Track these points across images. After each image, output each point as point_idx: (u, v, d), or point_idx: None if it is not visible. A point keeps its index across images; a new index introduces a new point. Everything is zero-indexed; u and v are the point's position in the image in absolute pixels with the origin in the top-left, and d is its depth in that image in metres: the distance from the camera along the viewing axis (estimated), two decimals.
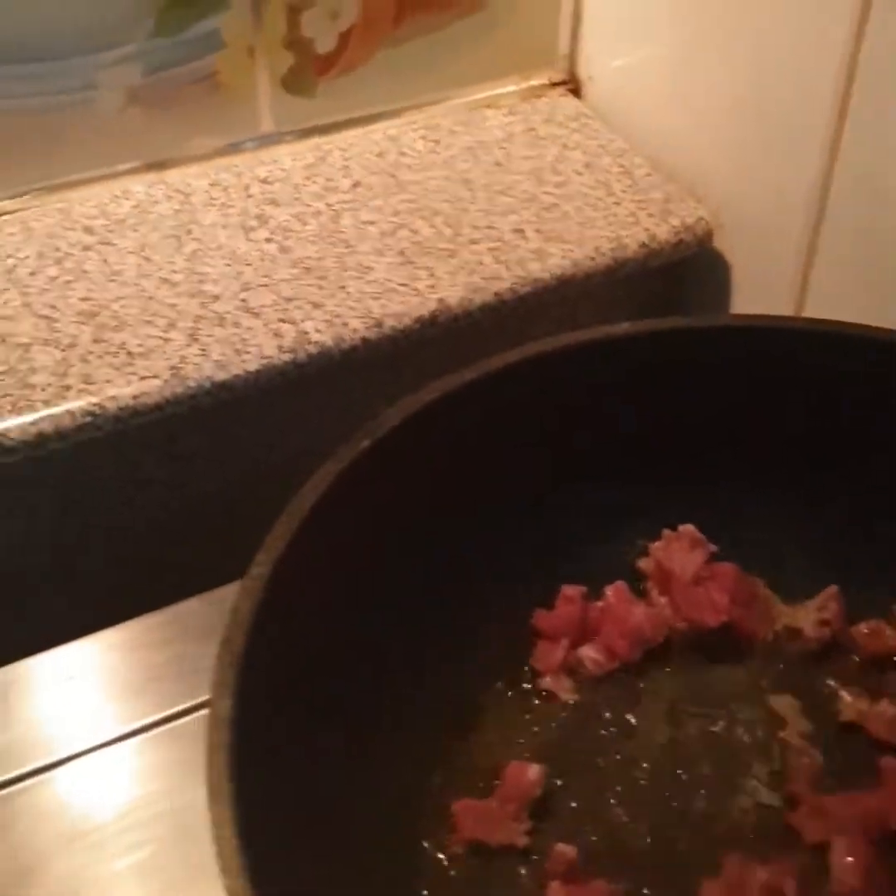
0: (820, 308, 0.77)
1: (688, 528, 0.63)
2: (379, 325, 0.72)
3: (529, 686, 0.59)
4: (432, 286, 0.75)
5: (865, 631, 0.60)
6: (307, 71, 0.82)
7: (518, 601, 0.61)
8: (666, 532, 0.63)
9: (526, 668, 0.60)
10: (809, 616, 0.60)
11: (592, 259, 0.78)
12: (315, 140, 0.86)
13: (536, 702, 0.59)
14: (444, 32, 0.87)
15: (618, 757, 0.57)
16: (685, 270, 0.86)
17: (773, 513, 0.63)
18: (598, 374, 0.62)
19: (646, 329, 0.62)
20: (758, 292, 0.82)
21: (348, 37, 0.82)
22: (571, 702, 0.58)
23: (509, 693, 0.59)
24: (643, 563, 0.64)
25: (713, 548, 0.63)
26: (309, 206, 0.81)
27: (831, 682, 0.59)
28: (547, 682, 0.59)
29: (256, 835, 0.40)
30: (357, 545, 0.55)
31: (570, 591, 0.61)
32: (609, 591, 0.62)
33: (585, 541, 0.63)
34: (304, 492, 0.52)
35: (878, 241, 0.71)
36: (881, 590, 0.61)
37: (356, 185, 0.83)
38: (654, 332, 0.62)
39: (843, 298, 0.75)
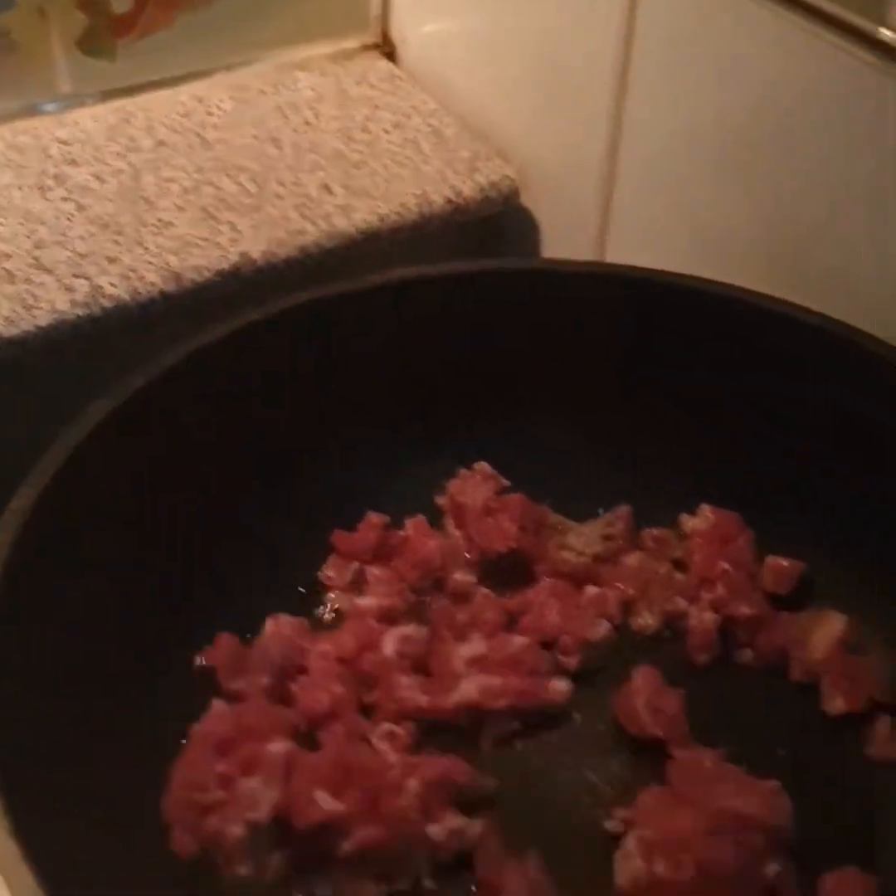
0: (619, 257, 0.79)
1: (481, 465, 0.65)
2: (177, 279, 0.72)
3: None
4: (235, 240, 0.75)
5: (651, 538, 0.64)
6: (104, 33, 0.81)
7: (321, 527, 0.63)
8: (461, 470, 0.65)
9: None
10: (596, 532, 0.63)
11: (399, 214, 0.79)
12: (118, 102, 0.85)
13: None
14: None
15: None
16: (496, 227, 0.87)
17: (563, 443, 0.65)
18: (392, 318, 0.63)
19: (423, 274, 0.63)
20: (563, 245, 0.84)
21: None
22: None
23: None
24: (440, 500, 0.65)
25: (505, 482, 0.64)
26: (109, 165, 0.80)
27: None
28: (331, 597, 0.61)
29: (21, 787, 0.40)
30: (133, 480, 0.55)
31: (375, 517, 0.63)
32: (409, 523, 0.64)
33: (392, 477, 0.65)
34: (72, 428, 0.52)
35: (664, 191, 0.73)
36: (667, 502, 0.64)
37: (160, 144, 0.83)
38: (433, 276, 0.63)
39: (639, 246, 0.77)
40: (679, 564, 0.62)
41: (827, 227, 0.62)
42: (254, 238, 0.75)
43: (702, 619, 0.59)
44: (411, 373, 0.64)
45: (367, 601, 0.59)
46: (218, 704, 0.52)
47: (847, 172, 0.60)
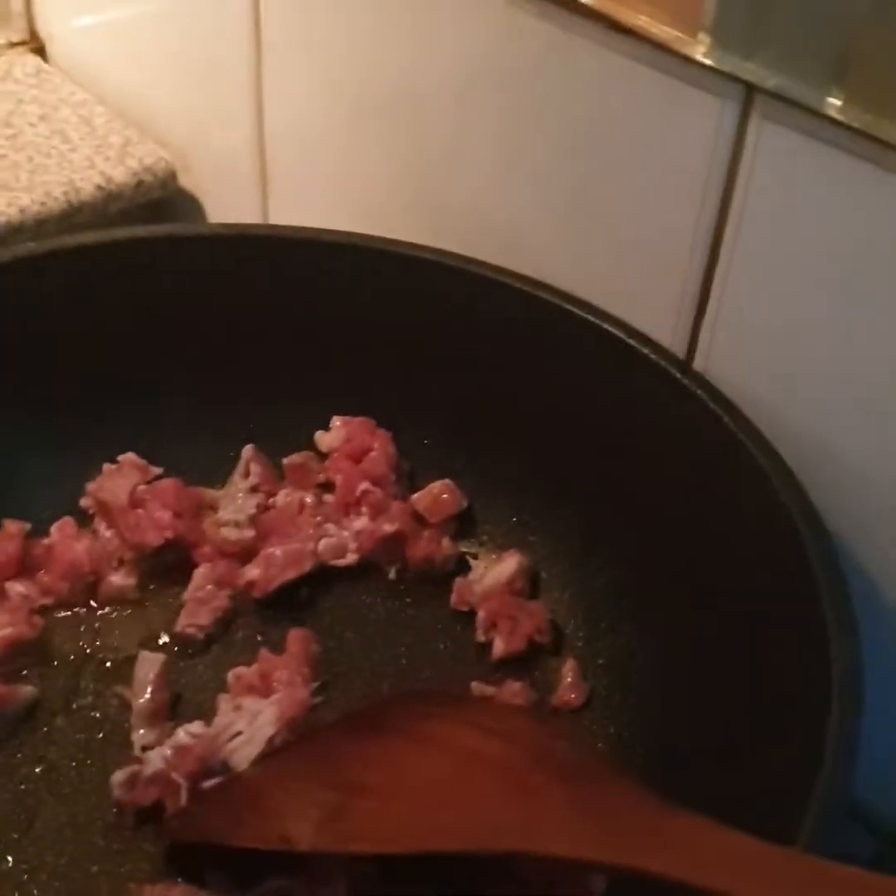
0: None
1: (127, 457, 0.61)
2: None
3: None
4: None
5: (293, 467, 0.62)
6: None
7: None
8: (105, 466, 0.61)
9: None
10: (239, 489, 0.61)
11: (43, 204, 0.75)
12: None
13: None
14: None
15: None
16: (161, 212, 0.84)
17: (202, 414, 0.63)
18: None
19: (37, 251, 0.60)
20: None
21: None
22: None
23: None
24: (84, 501, 0.61)
25: (156, 470, 0.61)
26: None
27: None
28: None
29: None
30: None
31: (13, 526, 0.58)
32: (54, 527, 0.59)
33: (34, 479, 0.60)
34: None
35: (311, 155, 0.72)
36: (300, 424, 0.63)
37: None
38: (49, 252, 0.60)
39: (298, 211, 0.75)
40: (326, 485, 0.61)
41: (456, 162, 0.62)
42: None
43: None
44: (47, 356, 0.60)
45: None
46: None
47: (469, 102, 0.60)
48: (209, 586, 0.57)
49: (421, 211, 0.66)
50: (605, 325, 0.56)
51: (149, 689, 0.52)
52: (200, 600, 0.57)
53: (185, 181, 0.82)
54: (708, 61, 0.48)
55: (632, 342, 0.55)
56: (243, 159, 0.77)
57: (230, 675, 0.53)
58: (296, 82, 0.70)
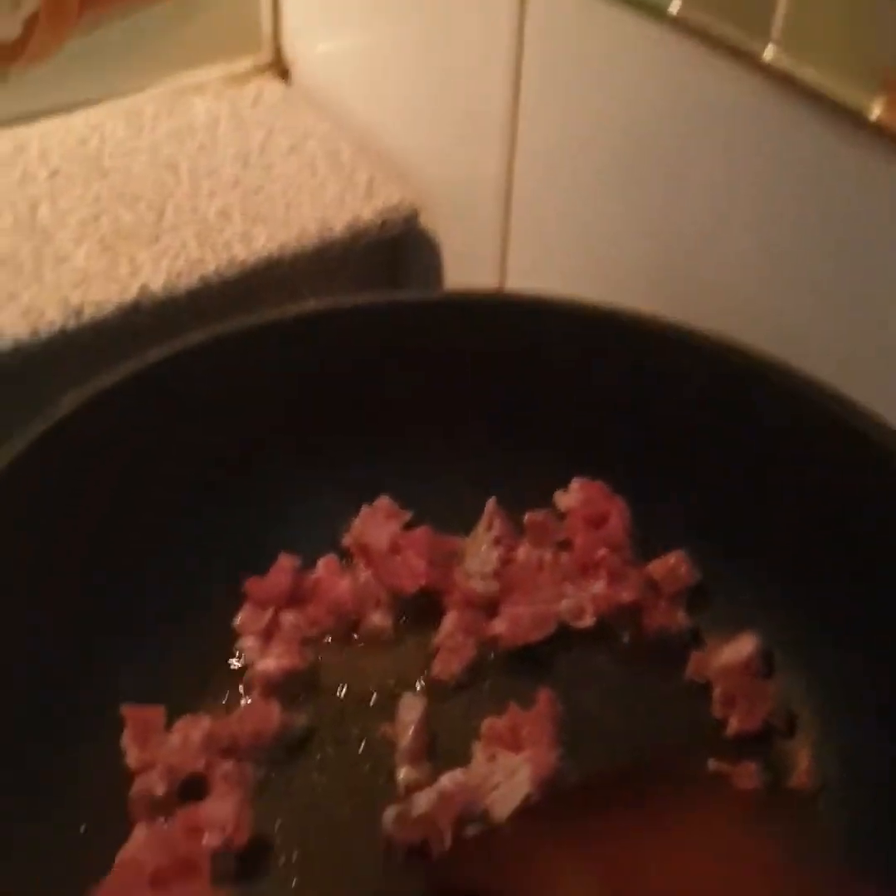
0: (519, 279, 0.80)
1: (381, 501, 0.65)
2: (78, 314, 0.71)
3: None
4: (134, 272, 0.74)
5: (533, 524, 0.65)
6: None
7: (230, 571, 0.62)
8: (363, 507, 0.65)
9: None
10: (484, 541, 0.64)
11: (299, 240, 0.79)
12: (11, 130, 0.84)
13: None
14: (142, 18, 0.86)
15: None
16: (397, 249, 0.88)
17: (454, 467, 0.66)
18: (279, 356, 0.63)
19: (328, 308, 0.64)
20: (465, 267, 0.85)
21: (33, 24, 0.80)
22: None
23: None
24: (346, 540, 0.65)
25: (407, 515, 0.65)
26: (3, 197, 0.79)
27: None
28: (246, 642, 0.60)
29: None
30: (40, 531, 0.54)
31: (286, 560, 0.63)
32: (320, 563, 0.64)
33: (301, 516, 0.65)
34: None
35: (558, 210, 0.74)
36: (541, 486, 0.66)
37: (55, 174, 0.82)
38: (337, 310, 0.64)
39: (538, 265, 0.78)
40: (564, 544, 0.65)
41: (712, 243, 0.64)
42: (153, 269, 0.75)
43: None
44: (315, 407, 0.64)
45: (267, 664, 0.58)
46: (140, 830, 0.51)
47: (731, 189, 0.62)
48: (459, 635, 0.61)
49: (668, 285, 0.68)
50: (855, 422, 0.58)
51: (411, 730, 0.56)
52: (452, 648, 0.61)
53: (422, 219, 0.86)
54: None
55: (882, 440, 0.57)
56: (487, 207, 0.79)
57: (484, 724, 0.57)
58: (551, 137, 0.72)
